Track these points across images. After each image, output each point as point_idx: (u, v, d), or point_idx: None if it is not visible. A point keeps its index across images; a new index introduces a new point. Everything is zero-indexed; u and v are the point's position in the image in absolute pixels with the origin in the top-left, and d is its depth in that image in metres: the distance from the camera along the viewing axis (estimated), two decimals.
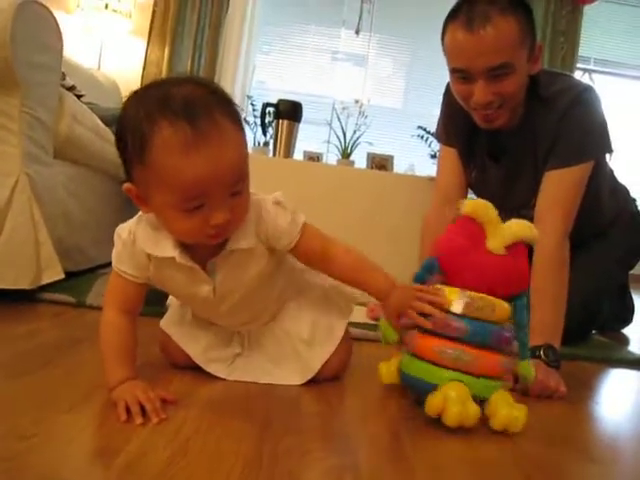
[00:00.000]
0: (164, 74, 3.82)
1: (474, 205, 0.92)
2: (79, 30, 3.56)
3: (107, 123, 1.85)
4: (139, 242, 0.86)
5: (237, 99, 3.89)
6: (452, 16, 1.30)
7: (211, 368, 0.99)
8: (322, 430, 0.83)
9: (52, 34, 1.48)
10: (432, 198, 1.62)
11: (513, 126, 1.42)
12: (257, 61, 4.11)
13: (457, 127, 1.54)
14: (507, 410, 0.87)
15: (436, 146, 3.26)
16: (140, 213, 0.86)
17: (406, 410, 0.94)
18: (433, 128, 3.24)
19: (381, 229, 2.05)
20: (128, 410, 0.77)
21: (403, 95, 4.29)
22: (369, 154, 3.31)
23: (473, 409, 0.85)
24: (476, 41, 1.25)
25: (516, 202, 1.47)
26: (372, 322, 1.53)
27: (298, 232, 0.91)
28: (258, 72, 4.13)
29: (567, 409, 1.08)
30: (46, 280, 1.39)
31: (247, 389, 0.96)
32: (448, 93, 1.57)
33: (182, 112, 0.72)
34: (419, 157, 3.43)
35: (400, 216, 2.05)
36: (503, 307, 0.91)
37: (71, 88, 2.03)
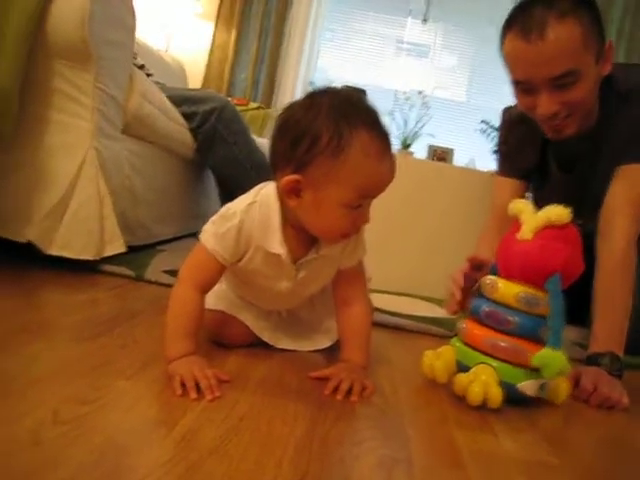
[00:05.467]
0: (230, 58, 3.86)
1: (512, 205, 1.00)
2: (148, 12, 3.61)
3: (175, 103, 1.88)
4: (248, 230, 0.90)
5: (299, 85, 3.90)
6: (508, 25, 1.23)
7: (264, 336, 1.05)
8: (375, 419, 0.83)
9: (127, 12, 1.51)
10: (487, 221, 1.57)
11: (588, 130, 1.34)
12: (320, 47, 4.10)
13: (521, 152, 1.48)
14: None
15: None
16: (249, 202, 0.91)
17: (459, 404, 0.93)
18: (496, 122, 3.18)
19: (437, 221, 2.01)
20: (183, 385, 0.79)
21: (466, 88, 4.20)
22: (430, 146, 3.27)
23: (496, 392, 0.90)
24: (534, 51, 1.17)
25: (591, 206, 1.41)
26: (435, 316, 1.52)
27: (362, 256, 1.02)
28: (321, 58, 4.11)
29: (628, 421, 1.03)
30: (109, 252, 1.43)
31: (300, 371, 0.96)
32: (506, 117, 1.53)
33: (377, 126, 0.85)
34: (480, 151, 3.36)
35: (457, 209, 2.01)
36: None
37: (141, 67, 2.08)
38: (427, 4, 3.96)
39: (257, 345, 1.05)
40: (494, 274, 1.00)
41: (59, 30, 1.32)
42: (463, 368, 0.97)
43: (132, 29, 1.54)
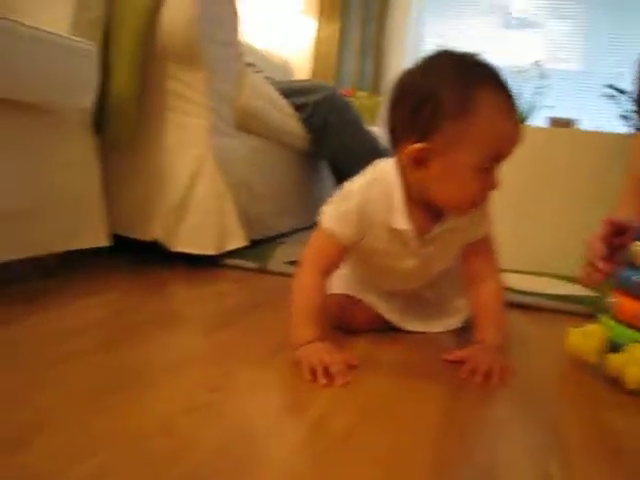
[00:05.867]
0: (335, 52, 3.85)
1: None
2: (251, 13, 3.68)
3: (285, 95, 1.89)
4: (370, 208, 0.87)
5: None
6: None
7: (392, 318, 1.01)
8: (519, 403, 0.76)
9: (230, 11, 1.53)
10: (625, 184, 1.41)
11: None
12: (427, 28, 3.97)
13: None
14: None
15: (627, 105, 2.92)
16: (367, 179, 0.88)
17: (611, 387, 0.83)
18: (623, 85, 2.91)
19: (566, 191, 1.85)
20: (313, 370, 0.76)
21: (584, 57, 3.89)
22: (550, 118, 3.06)
23: None
24: None
25: None
26: (572, 294, 1.41)
27: (489, 229, 0.95)
28: (426, 40, 3.99)
29: None
30: (231, 247, 1.45)
31: (431, 354, 0.91)
32: None
33: (502, 83, 0.81)
34: (606, 119, 3.10)
35: (588, 176, 1.84)
36: None
37: (249, 65, 2.11)
38: None
39: (383, 330, 1.01)
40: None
41: (169, 33, 1.36)
42: (616, 347, 0.87)
43: (236, 27, 1.56)
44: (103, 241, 1.27)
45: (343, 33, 3.88)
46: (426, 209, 0.88)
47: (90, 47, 1.16)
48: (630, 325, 0.86)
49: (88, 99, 1.19)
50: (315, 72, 3.89)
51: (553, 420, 0.71)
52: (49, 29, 1.06)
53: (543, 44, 3.90)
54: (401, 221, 0.87)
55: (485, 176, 0.81)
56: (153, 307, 1.07)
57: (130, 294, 1.16)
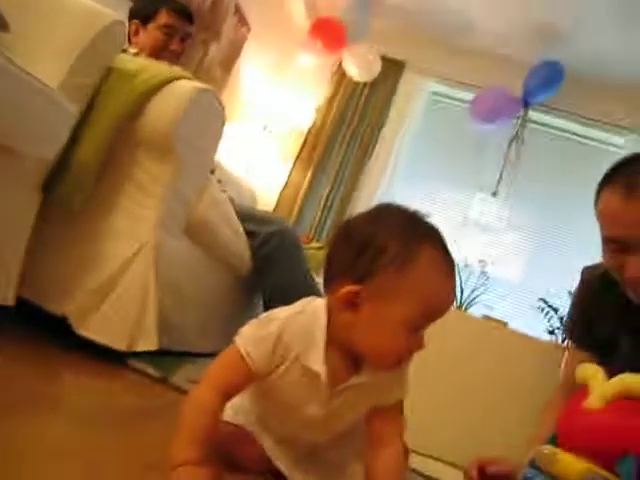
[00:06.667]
0: (301, 198, 4.01)
1: (580, 369, 0.91)
2: (235, 138, 3.82)
3: (241, 218, 1.90)
4: (289, 340, 0.83)
5: None
6: (608, 180, 1.19)
7: (281, 466, 0.92)
8: None
9: (217, 124, 1.58)
10: (555, 391, 1.44)
11: None
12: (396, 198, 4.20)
13: (595, 329, 1.40)
14: None
15: (555, 322, 3.07)
16: (294, 311, 0.85)
17: None
18: (554, 302, 3.07)
19: (491, 389, 1.86)
20: None
21: (526, 266, 4.15)
22: (485, 316, 3.17)
23: None
24: (633, 212, 1.12)
25: None
26: None
27: (404, 394, 0.91)
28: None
29: None
30: (140, 348, 1.35)
31: None
32: (586, 277, 1.46)
33: (444, 244, 0.82)
34: (534, 331, 3.23)
35: (516, 376, 1.86)
36: None
37: (219, 181, 2.14)
38: (498, 179, 4.06)
39: (270, 476, 0.92)
40: (553, 443, 0.87)
41: (151, 123, 1.37)
42: None
43: (217, 140, 1.61)
44: (6, 300, 1.17)
45: (313, 183, 4.06)
46: (345, 357, 0.84)
47: (73, 109, 1.16)
48: None
49: (51, 153, 1.17)
50: (277, 211, 4.01)
51: None
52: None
53: (492, 247, 4.14)
54: (317, 362, 0.82)
55: (413, 334, 0.80)
56: (39, 385, 0.98)
57: (14, 363, 1.04)
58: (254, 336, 0.83)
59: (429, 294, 0.79)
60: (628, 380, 0.83)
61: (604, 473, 0.79)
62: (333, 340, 0.83)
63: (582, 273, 1.48)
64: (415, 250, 0.78)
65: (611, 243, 1.21)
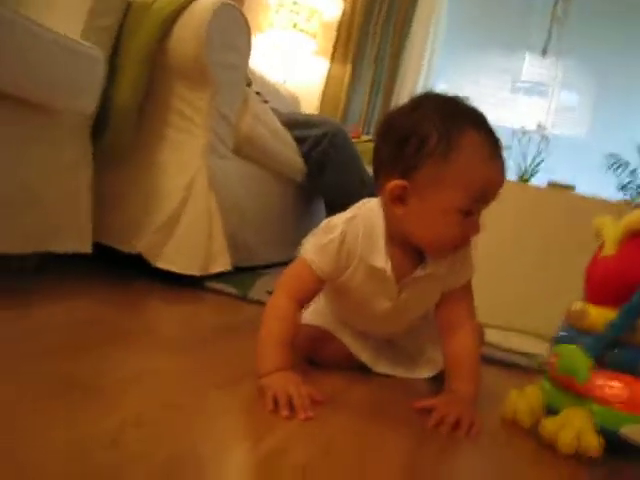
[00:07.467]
0: (344, 92, 3.91)
1: (595, 220, 0.88)
2: (269, 47, 3.76)
3: (287, 126, 1.90)
4: (350, 243, 0.86)
5: None
6: None
7: (363, 357, 0.98)
8: (481, 461, 0.73)
9: (243, 37, 1.54)
10: None
11: None
12: (438, 77, 4.04)
13: None
14: None
15: (626, 177, 2.96)
16: (352, 214, 0.87)
17: None
18: (625, 156, 2.94)
19: (559, 253, 1.85)
20: (275, 400, 0.73)
21: (589, 125, 3.95)
22: (550, 182, 3.09)
23: (592, 439, 0.74)
24: None
25: None
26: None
27: (470, 277, 0.93)
28: (439, 87, 4.05)
29: None
30: (214, 270, 1.43)
31: (400, 398, 0.89)
32: None
33: (487, 127, 0.81)
34: (604, 189, 3.13)
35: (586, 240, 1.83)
36: None
37: (258, 93, 2.12)
38: (547, 38, 3.80)
39: (354, 369, 0.98)
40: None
41: (179, 50, 1.37)
42: (552, 411, 0.83)
43: (247, 53, 1.58)
44: (84, 248, 1.24)
45: (354, 75, 3.93)
46: (408, 251, 0.87)
47: (98, 54, 1.16)
48: (565, 389, 0.83)
49: (90, 105, 1.18)
50: (322, 111, 3.94)
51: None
52: (60, 31, 1.07)
53: (551, 109, 3.95)
54: (380, 259, 0.85)
55: (467, 219, 0.80)
56: (126, 321, 1.05)
57: (101, 304, 1.13)
58: (317, 245, 0.86)
59: (475, 178, 0.78)
60: (628, 219, 0.81)
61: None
62: (393, 236, 0.86)
63: None
64: (456, 136, 0.78)
65: None
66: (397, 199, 0.81)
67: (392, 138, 0.82)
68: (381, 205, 0.86)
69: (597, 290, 0.84)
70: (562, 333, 0.87)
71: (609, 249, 0.83)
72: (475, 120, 0.81)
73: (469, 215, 0.80)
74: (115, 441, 0.55)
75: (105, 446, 0.54)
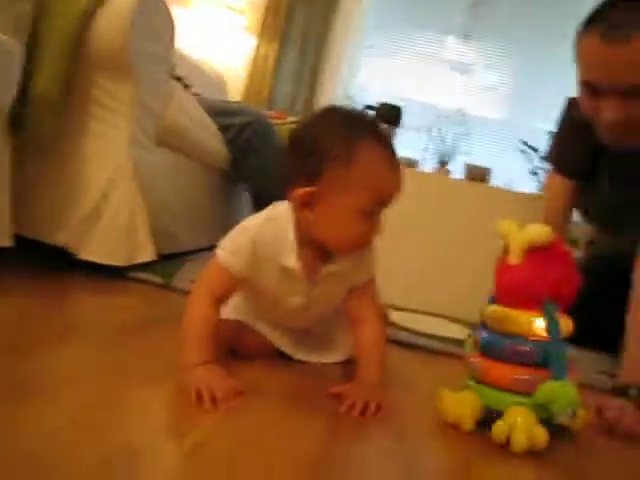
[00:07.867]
0: (271, 72, 3.91)
1: (498, 225, 0.92)
2: (193, 24, 3.68)
3: (211, 114, 1.91)
4: (263, 245, 0.92)
5: (338, 99, 3.92)
6: (589, 24, 1.19)
7: (282, 345, 1.07)
8: (391, 442, 0.82)
9: (166, 26, 1.54)
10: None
11: None
12: (361, 62, 4.11)
13: (575, 154, 1.44)
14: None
15: (537, 163, 3.13)
16: (265, 216, 0.94)
17: (477, 433, 0.89)
18: (536, 143, 3.11)
19: (474, 242, 1.98)
20: (199, 394, 0.79)
21: (508, 106, 4.14)
22: (467, 165, 3.24)
23: (540, 432, 0.81)
24: (612, 56, 1.14)
25: (636, 227, 1.35)
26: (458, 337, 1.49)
27: (373, 273, 1.02)
28: (361, 74, 4.12)
29: None
30: (139, 260, 1.45)
31: (317, 385, 0.97)
32: (567, 113, 1.48)
33: (383, 137, 0.90)
34: (518, 172, 3.31)
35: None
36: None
37: (180, 79, 2.12)
38: (469, 21, 3.94)
39: (275, 357, 1.06)
40: (493, 302, 0.93)
41: (100, 40, 1.36)
42: (491, 412, 0.87)
43: (171, 42, 1.58)
44: (4, 241, 1.24)
45: (281, 54, 3.94)
46: (316, 251, 0.94)
47: (13, 46, 1.14)
48: (497, 387, 0.87)
49: (6, 98, 1.17)
50: (249, 90, 3.92)
51: (421, 465, 0.77)
52: None
53: (471, 90, 4.10)
54: (292, 260, 0.93)
55: (368, 220, 0.89)
56: (52, 316, 1.07)
57: (26, 299, 1.14)
58: (232, 247, 0.93)
59: (374, 184, 0.88)
60: (530, 234, 0.87)
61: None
62: (303, 237, 0.93)
63: (566, 102, 1.49)
64: (355, 147, 0.86)
65: (587, 86, 1.23)
66: (306, 205, 0.89)
67: (299, 149, 0.91)
68: (291, 209, 0.93)
69: (507, 295, 0.90)
70: (484, 335, 0.91)
71: (515, 258, 0.88)
72: (372, 132, 0.90)
73: (370, 216, 0.89)
74: (50, 442, 0.59)
75: (39, 448, 0.57)
